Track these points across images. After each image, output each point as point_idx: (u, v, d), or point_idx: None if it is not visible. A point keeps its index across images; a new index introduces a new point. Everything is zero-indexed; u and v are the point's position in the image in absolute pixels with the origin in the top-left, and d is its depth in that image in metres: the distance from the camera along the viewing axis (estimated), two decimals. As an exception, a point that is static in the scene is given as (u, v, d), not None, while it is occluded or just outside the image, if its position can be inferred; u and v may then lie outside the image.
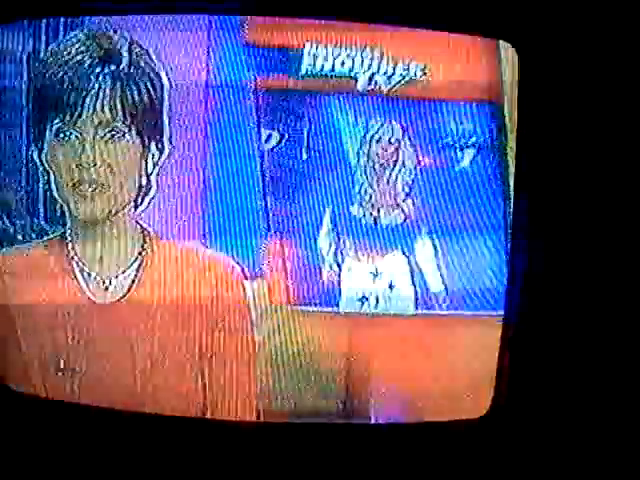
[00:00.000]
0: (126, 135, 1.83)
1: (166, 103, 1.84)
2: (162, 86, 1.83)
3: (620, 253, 1.81)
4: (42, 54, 1.84)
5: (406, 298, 1.88)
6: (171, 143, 1.85)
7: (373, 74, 1.82)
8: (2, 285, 1.90)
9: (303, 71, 1.82)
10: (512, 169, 1.82)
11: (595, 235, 1.80)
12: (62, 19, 1.82)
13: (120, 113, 1.82)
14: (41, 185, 1.87)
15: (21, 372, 1.91)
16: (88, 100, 1.81)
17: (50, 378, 1.90)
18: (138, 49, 1.83)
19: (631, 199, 1.80)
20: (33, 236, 1.89)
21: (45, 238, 1.89)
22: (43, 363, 1.90)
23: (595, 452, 1.84)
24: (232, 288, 1.88)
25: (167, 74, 1.83)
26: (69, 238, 1.89)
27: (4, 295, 1.89)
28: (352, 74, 1.82)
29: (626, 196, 1.80)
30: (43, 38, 1.83)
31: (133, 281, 1.88)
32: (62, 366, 1.90)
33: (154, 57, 1.83)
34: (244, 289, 1.87)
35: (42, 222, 1.88)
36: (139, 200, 1.87)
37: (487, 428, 1.84)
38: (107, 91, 1.82)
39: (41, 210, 1.88)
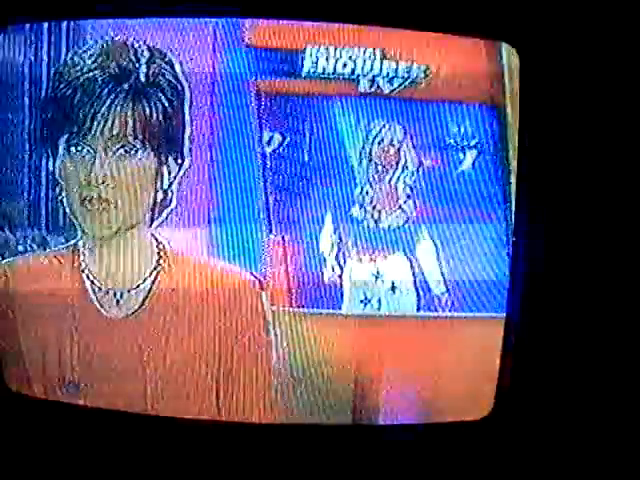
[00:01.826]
0: (139, 151, 1.81)
1: (187, 116, 1.83)
2: (183, 99, 1.82)
3: (622, 253, 1.81)
4: (51, 63, 1.83)
5: (408, 299, 1.88)
6: (190, 155, 1.84)
7: (375, 76, 1.82)
8: (8, 297, 1.89)
9: (304, 73, 1.82)
10: (514, 171, 1.82)
11: (597, 236, 1.80)
12: (64, 24, 1.82)
13: (132, 129, 1.80)
14: (43, 195, 1.86)
15: (26, 387, 1.90)
16: (100, 115, 1.79)
17: (56, 394, 1.89)
18: (156, 64, 1.81)
19: (633, 199, 1.80)
20: (34, 247, 1.87)
21: (55, 248, 1.88)
22: (49, 378, 1.89)
23: (597, 452, 1.84)
24: (250, 301, 1.87)
25: (189, 84, 1.82)
26: (80, 250, 1.87)
27: (10, 308, 1.88)
28: (354, 76, 1.82)
29: (627, 196, 1.80)
30: (45, 45, 1.83)
31: (146, 296, 1.86)
32: (69, 382, 1.88)
33: (177, 67, 1.82)
34: (262, 301, 1.87)
35: (44, 233, 1.87)
36: (155, 214, 1.85)
37: (489, 429, 1.84)
38: (119, 106, 1.79)
39: (43, 221, 1.86)
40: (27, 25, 1.81)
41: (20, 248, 1.87)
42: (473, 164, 1.84)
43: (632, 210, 1.80)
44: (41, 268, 1.87)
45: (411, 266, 1.88)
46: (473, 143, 1.84)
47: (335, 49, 1.81)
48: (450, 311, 1.88)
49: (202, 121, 1.83)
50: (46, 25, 1.81)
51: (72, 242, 1.87)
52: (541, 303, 1.80)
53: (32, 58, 1.83)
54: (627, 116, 1.78)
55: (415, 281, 1.88)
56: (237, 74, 1.82)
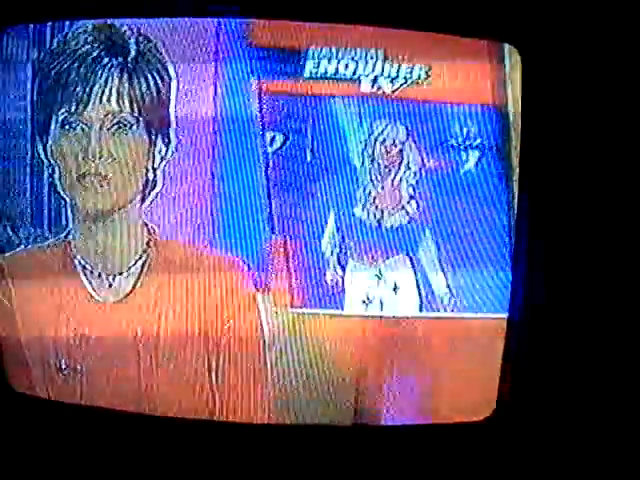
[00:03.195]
0: (133, 127, 1.83)
1: (173, 96, 1.84)
2: (170, 79, 1.83)
3: (625, 254, 1.81)
4: (47, 48, 1.84)
5: (410, 300, 1.88)
6: (177, 138, 1.85)
7: (377, 76, 1.82)
8: (5, 285, 1.90)
9: (307, 73, 1.83)
10: (516, 171, 1.81)
11: (599, 237, 1.80)
12: (67, 23, 1.83)
13: (128, 105, 1.82)
14: (46, 194, 1.87)
15: (24, 373, 1.91)
16: (95, 91, 1.81)
17: (53, 379, 1.90)
18: (146, 42, 1.83)
19: (635, 199, 1.80)
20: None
21: (48, 241, 1.89)
22: (46, 364, 1.90)
23: (598, 453, 1.83)
24: (242, 289, 1.87)
25: (175, 68, 1.83)
26: (71, 237, 1.88)
27: (7, 295, 1.90)
28: (356, 76, 1.82)
29: (631, 197, 1.80)
30: (47, 44, 1.84)
31: (138, 279, 1.88)
32: (64, 366, 1.89)
33: (162, 51, 1.83)
34: (253, 290, 1.87)
35: (46, 233, 1.88)
36: (145, 196, 1.86)
37: (491, 430, 1.83)
38: (115, 82, 1.81)
39: (45, 221, 1.88)
40: (30, 26, 1.83)
41: (22, 247, 1.89)
42: (475, 165, 1.84)
43: (635, 210, 1.80)
44: (35, 260, 1.89)
45: (413, 267, 1.88)
46: (475, 144, 1.84)
47: (337, 50, 1.82)
48: (452, 312, 1.88)
49: (199, 112, 1.84)
50: (49, 25, 1.83)
51: (63, 234, 1.89)
52: (543, 304, 1.80)
53: (35, 58, 1.84)
54: (629, 118, 1.77)
55: (417, 282, 1.88)
56: (240, 74, 1.83)
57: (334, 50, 1.82)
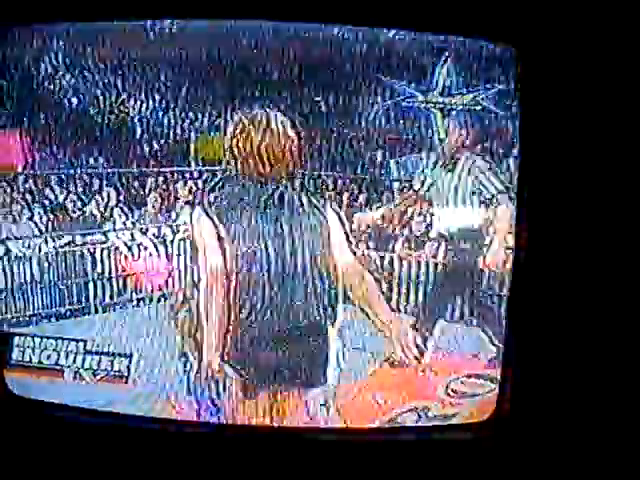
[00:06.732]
0: None
1: None
2: None
3: (626, 255, 1.79)
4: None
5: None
6: None
7: None
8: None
9: None
10: (516, 172, 1.81)
11: (600, 238, 1.78)
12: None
13: None
14: None
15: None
16: None
17: None
18: None
19: (636, 200, 1.78)
20: None
21: None
22: None
23: (599, 454, 1.82)
24: None
25: None
26: None
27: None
28: None
29: (630, 197, 1.78)
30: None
31: None
32: None
33: None
34: None
35: None
36: None
37: (492, 431, 1.83)
38: None
39: None
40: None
41: None
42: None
43: (636, 211, 1.78)
44: None
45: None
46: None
47: None
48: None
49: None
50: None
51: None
52: (543, 305, 1.78)
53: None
54: (629, 116, 1.75)
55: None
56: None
57: None
